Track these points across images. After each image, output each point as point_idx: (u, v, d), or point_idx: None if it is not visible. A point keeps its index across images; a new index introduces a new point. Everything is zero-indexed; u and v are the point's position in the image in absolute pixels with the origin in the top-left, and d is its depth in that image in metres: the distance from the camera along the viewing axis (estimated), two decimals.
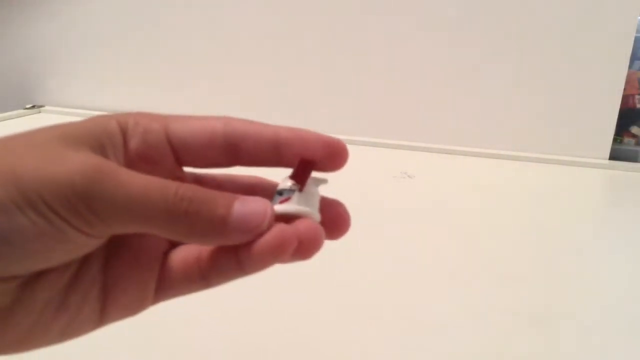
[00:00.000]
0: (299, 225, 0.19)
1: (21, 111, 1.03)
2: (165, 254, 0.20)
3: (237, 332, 0.38)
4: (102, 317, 0.19)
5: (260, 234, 0.18)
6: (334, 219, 0.21)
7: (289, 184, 0.20)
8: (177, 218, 0.17)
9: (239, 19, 0.91)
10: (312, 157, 0.20)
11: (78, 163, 0.17)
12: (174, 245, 0.21)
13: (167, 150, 0.20)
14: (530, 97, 0.80)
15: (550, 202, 0.65)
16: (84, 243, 0.18)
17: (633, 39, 0.74)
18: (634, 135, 0.81)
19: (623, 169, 0.77)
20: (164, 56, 0.98)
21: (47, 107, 1.06)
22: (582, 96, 0.78)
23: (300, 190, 0.20)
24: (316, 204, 0.20)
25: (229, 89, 0.95)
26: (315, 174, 0.20)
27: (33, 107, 1.06)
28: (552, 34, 0.77)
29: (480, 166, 0.79)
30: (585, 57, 0.76)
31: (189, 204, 0.18)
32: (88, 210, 0.17)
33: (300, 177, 0.20)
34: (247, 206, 0.18)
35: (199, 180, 0.22)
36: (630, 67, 0.75)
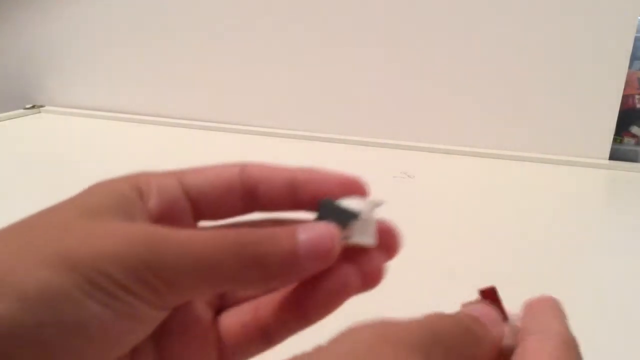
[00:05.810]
0: (360, 258, 0.18)
1: (21, 111, 1.03)
2: (214, 323, 0.19)
3: None
4: None
5: (333, 258, 0.17)
6: (384, 242, 0.20)
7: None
8: (247, 265, 0.16)
9: (241, 20, 0.91)
10: (328, 195, 0.19)
11: (132, 233, 0.16)
12: (217, 311, 0.20)
13: (186, 205, 0.19)
14: (530, 97, 0.80)
15: (550, 202, 0.65)
16: (152, 318, 0.16)
17: (633, 39, 0.73)
18: (634, 135, 0.81)
19: (623, 169, 0.77)
20: (164, 56, 0.98)
21: (47, 107, 1.06)
22: (582, 96, 0.77)
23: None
24: (373, 230, 0.19)
25: (230, 89, 0.95)
26: (370, 197, 0.20)
27: (33, 107, 1.05)
28: (551, 34, 0.77)
29: (480, 166, 0.79)
30: (585, 57, 0.76)
31: (255, 247, 0.16)
32: (157, 279, 0.16)
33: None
34: (310, 232, 0.17)
35: None
36: (630, 67, 0.75)
